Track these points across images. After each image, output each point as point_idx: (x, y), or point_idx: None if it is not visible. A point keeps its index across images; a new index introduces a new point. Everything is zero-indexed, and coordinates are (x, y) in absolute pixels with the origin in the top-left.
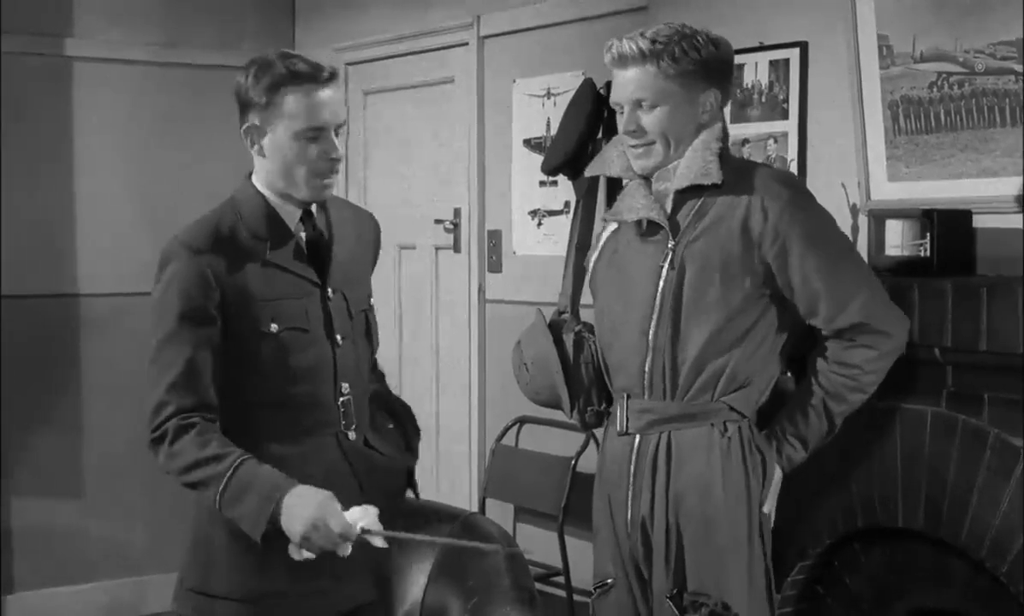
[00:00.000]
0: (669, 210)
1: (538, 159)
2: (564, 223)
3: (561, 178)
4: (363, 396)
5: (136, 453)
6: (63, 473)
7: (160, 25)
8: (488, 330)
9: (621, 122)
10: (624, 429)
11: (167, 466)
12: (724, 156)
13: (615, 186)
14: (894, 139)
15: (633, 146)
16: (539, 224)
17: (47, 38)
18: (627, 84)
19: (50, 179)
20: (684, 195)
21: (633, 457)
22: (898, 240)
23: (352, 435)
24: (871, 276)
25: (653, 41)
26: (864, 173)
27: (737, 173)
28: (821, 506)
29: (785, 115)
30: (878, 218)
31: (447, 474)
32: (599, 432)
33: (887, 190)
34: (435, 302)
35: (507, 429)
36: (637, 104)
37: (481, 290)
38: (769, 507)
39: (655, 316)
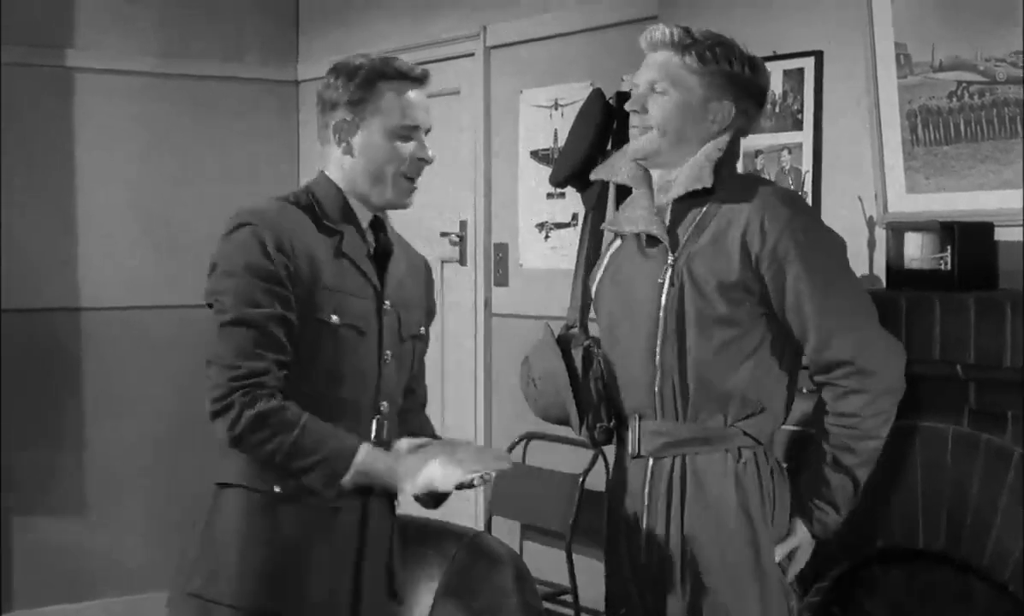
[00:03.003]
0: (668, 222)
1: (545, 171)
2: (572, 236)
3: (569, 190)
4: (394, 423)
5: (139, 469)
6: (65, 490)
7: (162, 36)
8: (494, 344)
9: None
10: (636, 452)
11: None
12: (725, 167)
13: (625, 198)
14: (912, 150)
15: (634, 126)
16: (546, 237)
17: (48, 49)
18: (650, 66)
19: (51, 190)
20: (683, 206)
21: (647, 481)
22: (918, 253)
23: None
24: (866, 310)
25: (688, 33)
26: (881, 185)
27: (740, 188)
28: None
29: (799, 126)
30: (897, 231)
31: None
32: (608, 449)
33: (905, 202)
34: (440, 316)
35: (514, 445)
36: (651, 86)
37: (487, 304)
38: (792, 574)
39: (660, 334)
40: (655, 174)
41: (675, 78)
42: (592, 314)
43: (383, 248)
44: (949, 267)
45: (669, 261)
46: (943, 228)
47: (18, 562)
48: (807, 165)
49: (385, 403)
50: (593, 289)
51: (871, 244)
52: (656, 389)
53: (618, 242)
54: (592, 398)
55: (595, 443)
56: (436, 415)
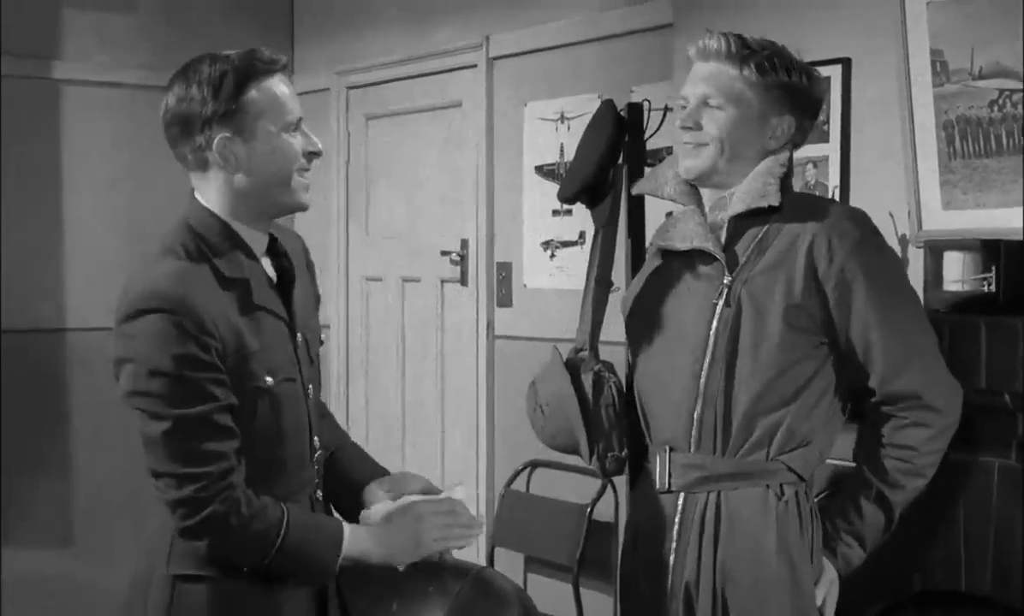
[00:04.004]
0: (724, 241)
1: (551, 187)
2: (579, 255)
3: (577, 207)
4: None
5: (129, 497)
6: (52, 520)
7: (151, 47)
8: (497, 368)
9: (679, 116)
10: (666, 486)
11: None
12: (787, 184)
13: (638, 214)
14: (949, 163)
15: (686, 142)
16: (552, 256)
17: (35, 61)
18: (701, 78)
19: (38, 205)
20: (742, 224)
21: (677, 518)
22: (958, 274)
23: (320, 495)
24: (933, 341)
25: (744, 43)
26: (915, 200)
27: (804, 207)
28: (874, 567)
29: (826, 137)
30: (935, 250)
31: None
32: (616, 479)
33: (941, 219)
34: (441, 338)
35: (518, 473)
36: (703, 101)
37: (490, 326)
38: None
39: (707, 359)
40: (705, 191)
41: (731, 92)
42: (606, 337)
43: (287, 276)
44: (993, 288)
45: (725, 281)
46: (987, 246)
47: (6, 596)
48: (834, 180)
49: (317, 440)
50: (625, 313)
51: (904, 264)
52: (695, 418)
53: (656, 263)
54: (603, 425)
55: (605, 473)
56: (436, 442)
